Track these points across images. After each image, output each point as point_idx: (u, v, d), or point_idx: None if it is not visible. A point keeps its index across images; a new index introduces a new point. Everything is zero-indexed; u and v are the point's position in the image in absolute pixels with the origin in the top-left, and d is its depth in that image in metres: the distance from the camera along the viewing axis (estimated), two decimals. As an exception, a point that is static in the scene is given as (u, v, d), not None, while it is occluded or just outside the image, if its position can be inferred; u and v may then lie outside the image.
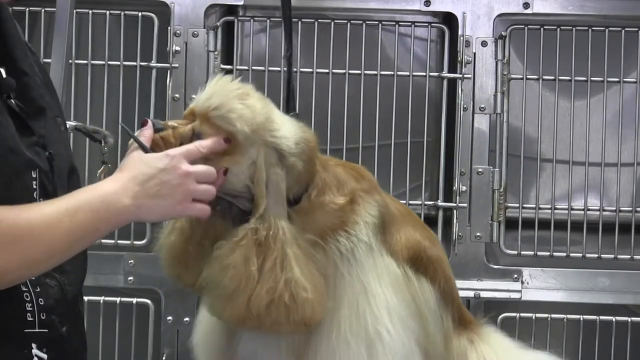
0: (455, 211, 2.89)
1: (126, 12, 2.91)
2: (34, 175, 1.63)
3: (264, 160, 1.84)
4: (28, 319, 1.62)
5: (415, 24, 2.95)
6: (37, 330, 1.62)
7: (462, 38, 2.89)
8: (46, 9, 2.88)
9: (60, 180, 1.70)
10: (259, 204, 1.84)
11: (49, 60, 2.66)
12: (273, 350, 1.92)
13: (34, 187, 1.63)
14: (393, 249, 1.97)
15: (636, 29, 2.90)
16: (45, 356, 1.63)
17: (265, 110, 1.86)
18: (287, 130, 1.88)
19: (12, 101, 1.65)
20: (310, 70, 2.93)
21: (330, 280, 1.90)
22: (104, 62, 2.92)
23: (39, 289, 1.63)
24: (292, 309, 1.80)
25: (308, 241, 1.88)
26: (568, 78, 2.91)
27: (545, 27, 2.90)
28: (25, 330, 1.62)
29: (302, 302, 1.80)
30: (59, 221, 1.56)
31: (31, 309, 1.62)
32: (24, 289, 1.62)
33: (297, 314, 1.80)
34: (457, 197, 2.89)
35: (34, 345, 1.62)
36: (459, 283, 2.86)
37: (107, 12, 2.91)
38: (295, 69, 2.91)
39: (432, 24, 2.97)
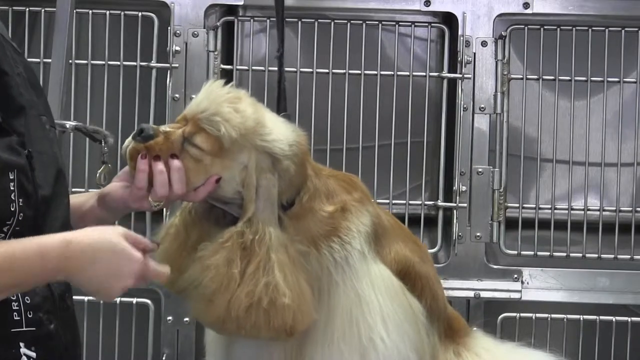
0: (455, 211, 2.89)
1: (126, 12, 2.91)
2: (11, 177, 1.63)
3: (255, 165, 1.83)
4: (15, 318, 1.62)
5: (415, 24, 2.95)
6: (24, 329, 1.63)
7: (462, 38, 2.89)
8: (46, 9, 2.88)
9: (43, 177, 1.69)
10: (248, 208, 1.82)
11: (49, 60, 2.66)
12: (265, 359, 1.91)
13: (12, 188, 1.62)
14: (383, 260, 1.96)
15: (636, 29, 2.91)
16: (34, 354, 1.64)
17: (255, 115, 1.83)
18: (280, 133, 1.86)
19: None
20: (310, 70, 2.93)
21: (325, 288, 1.89)
22: (104, 62, 2.92)
23: None
24: (271, 314, 1.78)
25: (300, 251, 1.86)
26: (568, 78, 2.91)
27: (545, 27, 2.90)
28: (12, 330, 1.62)
29: (281, 308, 1.78)
30: None
31: (17, 308, 1.63)
32: None
33: (276, 320, 1.78)
34: (457, 197, 2.89)
35: (22, 345, 1.63)
36: (459, 283, 2.89)
37: (107, 12, 2.91)
38: (295, 69, 2.93)
39: (432, 24, 2.97)
